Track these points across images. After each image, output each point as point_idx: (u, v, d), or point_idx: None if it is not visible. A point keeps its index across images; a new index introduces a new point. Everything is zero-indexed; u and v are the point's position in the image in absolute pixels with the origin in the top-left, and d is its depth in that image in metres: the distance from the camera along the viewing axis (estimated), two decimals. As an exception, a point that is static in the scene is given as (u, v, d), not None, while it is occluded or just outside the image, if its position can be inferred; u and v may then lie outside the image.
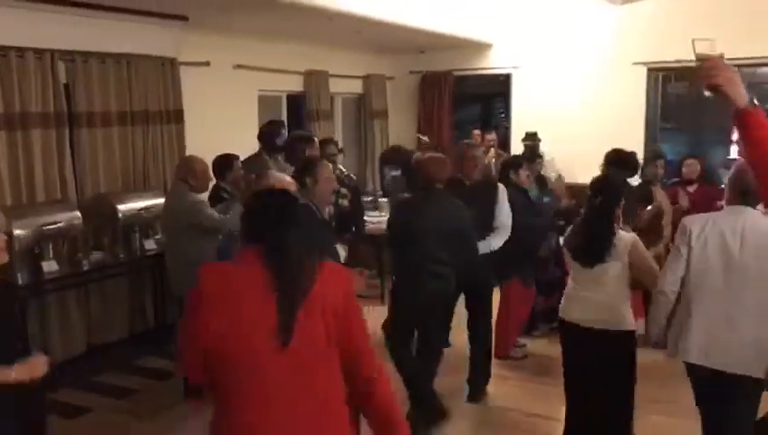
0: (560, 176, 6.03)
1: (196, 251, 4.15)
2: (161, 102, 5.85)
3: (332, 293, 1.81)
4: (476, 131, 8.45)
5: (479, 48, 8.79)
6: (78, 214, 4.86)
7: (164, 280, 5.27)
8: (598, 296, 3.51)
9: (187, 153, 5.63)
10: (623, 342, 3.51)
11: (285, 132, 5.87)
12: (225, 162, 5.00)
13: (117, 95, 5.49)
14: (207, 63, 6.38)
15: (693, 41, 1.98)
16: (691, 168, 5.81)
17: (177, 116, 5.99)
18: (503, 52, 8.79)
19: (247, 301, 1.75)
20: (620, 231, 3.53)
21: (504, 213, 4.60)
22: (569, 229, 3.81)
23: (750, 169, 2.03)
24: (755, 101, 1.94)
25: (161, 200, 5.42)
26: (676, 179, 5.96)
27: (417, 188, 4.25)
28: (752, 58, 7.57)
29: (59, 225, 4.70)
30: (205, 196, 4.78)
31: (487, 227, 4.52)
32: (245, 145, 5.65)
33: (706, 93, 1.94)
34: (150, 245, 5.42)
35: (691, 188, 5.69)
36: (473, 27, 8.05)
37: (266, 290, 1.75)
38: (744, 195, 2.96)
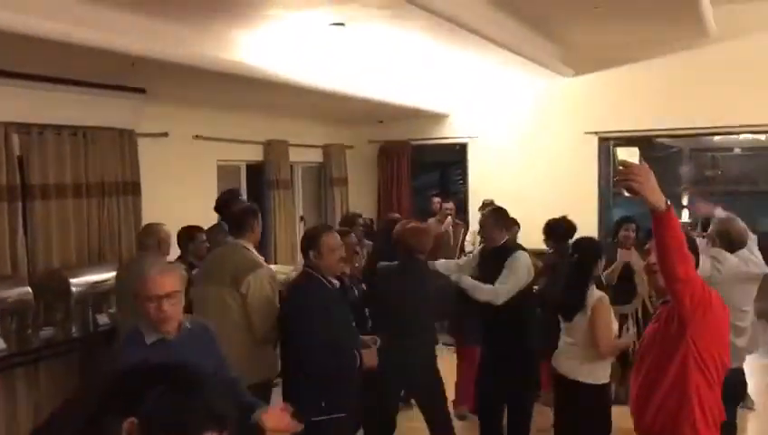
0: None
1: None
2: (118, 174, 5.78)
3: None
4: (436, 199, 8.54)
5: (436, 118, 8.99)
6: (28, 289, 4.70)
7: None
8: (576, 348, 3.74)
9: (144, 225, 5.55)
10: (596, 394, 3.70)
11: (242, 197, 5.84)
12: (187, 234, 5.19)
13: (72, 167, 5.41)
14: (165, 134, 6.36)
15: (616, 149, 2.24)
16: (628, 232, 5.97)
17: (134, 188, 5.91)
18: (459, 122, 9.00)
19: None
20: (593, 287, 3.75)
21: (507, 278, 4.29)
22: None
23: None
24: (668, 202, 2.17)
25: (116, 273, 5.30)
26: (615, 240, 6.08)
27: (399, 258, 4.39)
28: (696, 128, 7.90)
29: (8, 301, 4.55)
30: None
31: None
32: (204, 215, 5.61)
33: (626, 193, 2.18)
34: (104, 319, 5.25)
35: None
36: (430, 99, 8.26)
37: None
38: None
